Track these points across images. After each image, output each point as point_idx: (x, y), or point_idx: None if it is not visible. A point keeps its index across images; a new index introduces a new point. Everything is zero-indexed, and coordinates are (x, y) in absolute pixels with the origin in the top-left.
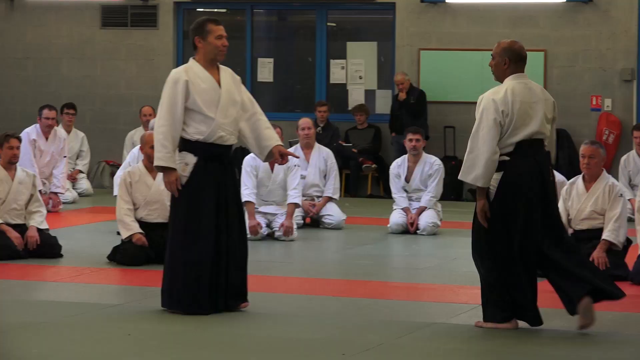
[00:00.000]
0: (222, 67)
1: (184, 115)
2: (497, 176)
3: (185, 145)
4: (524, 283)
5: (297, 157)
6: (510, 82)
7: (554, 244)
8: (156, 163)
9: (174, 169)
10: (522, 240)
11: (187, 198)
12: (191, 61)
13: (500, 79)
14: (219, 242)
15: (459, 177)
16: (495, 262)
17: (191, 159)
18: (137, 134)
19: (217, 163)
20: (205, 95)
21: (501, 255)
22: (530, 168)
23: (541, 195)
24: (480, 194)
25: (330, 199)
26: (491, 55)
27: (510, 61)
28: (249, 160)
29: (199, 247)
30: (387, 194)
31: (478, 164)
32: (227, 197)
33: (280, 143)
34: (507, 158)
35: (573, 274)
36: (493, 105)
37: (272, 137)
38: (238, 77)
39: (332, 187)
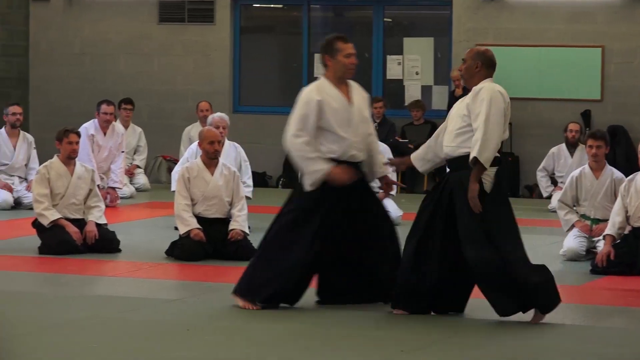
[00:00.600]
0: (351, 82)
1: (316, 134)
2: (491, 171)
3: None
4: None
5: (404, 186)
6: (492, 84)
7: None
8: (318, 177)
9: (336, 167)
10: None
11: (304, 205)
12: (322, 79)
13: (469, 81)
14: (347, 249)
15: (475, 154)
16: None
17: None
18: (193, 129)
19: None
20: (337, 115)
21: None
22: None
23: None
24: (478, 179)
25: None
26: (462, 59)
27: (482, 65)
28: None
29: (296, 254)
30: None
31: (489, 147)
32: (364, 206)
33: (389, 172)
34: (497, 154)
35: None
36: (501, 97)
37: (382, 165)
38: (366, 94)
39: None
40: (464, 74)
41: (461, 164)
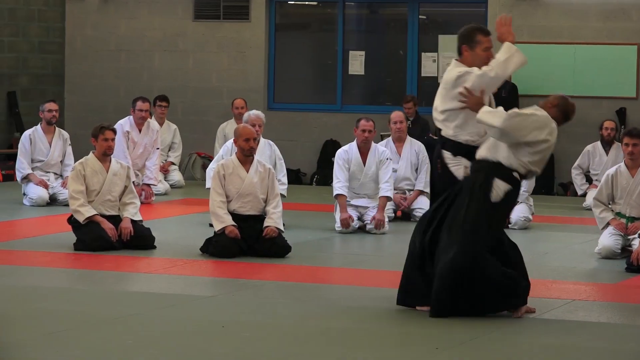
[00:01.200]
0: None
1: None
2: (503, 187)
3: (459, 149)
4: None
5: None
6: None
7: None
8: None
9: None
10: None
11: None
12: (461, 65)
13: (542, 105)
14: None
15: (478, 116)
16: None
17: (466, 162)
18: (228, 126)
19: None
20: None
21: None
22: None
23: None
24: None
25: (421, 192)
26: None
27: (557, 107)
28: (341, 154)
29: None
30: None
31: (495, 121)
32: None
33: None
34: (516, 175)
35: None
36: (548, 129)
37: None
38: None
39: (424, 180)
40: (546, 101)
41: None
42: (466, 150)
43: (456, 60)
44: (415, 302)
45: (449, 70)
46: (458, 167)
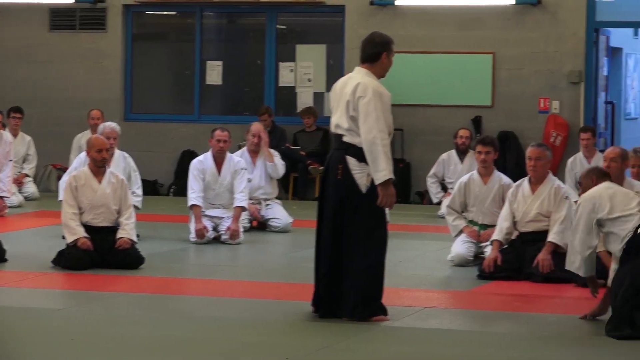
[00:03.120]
0: None
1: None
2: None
3: (364, 156)
4: None
5: None
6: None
7: None
8: (388, 176)
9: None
10: None
11: (373, 206)
12: (369, 74)
13: None
14: None
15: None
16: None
17: (369, 170)
18: (84, 137)
19: None
20: (388, 108)
21: None
22: None
23: None
24: None
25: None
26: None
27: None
28: (195, 164)
29: (383, 252)
30: None
31: None
32: None
33: None
34: None
35: None
36: None
37: None
38: None
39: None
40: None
41: None
42: None
43: (363, 67)
44: None
45: (355, 77)
46: (362, 174)
